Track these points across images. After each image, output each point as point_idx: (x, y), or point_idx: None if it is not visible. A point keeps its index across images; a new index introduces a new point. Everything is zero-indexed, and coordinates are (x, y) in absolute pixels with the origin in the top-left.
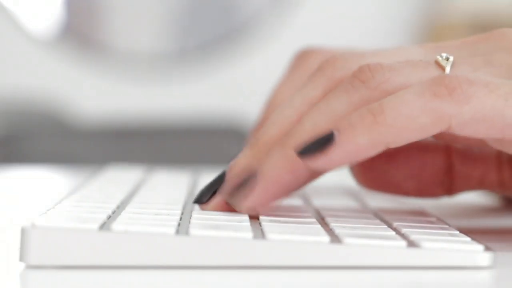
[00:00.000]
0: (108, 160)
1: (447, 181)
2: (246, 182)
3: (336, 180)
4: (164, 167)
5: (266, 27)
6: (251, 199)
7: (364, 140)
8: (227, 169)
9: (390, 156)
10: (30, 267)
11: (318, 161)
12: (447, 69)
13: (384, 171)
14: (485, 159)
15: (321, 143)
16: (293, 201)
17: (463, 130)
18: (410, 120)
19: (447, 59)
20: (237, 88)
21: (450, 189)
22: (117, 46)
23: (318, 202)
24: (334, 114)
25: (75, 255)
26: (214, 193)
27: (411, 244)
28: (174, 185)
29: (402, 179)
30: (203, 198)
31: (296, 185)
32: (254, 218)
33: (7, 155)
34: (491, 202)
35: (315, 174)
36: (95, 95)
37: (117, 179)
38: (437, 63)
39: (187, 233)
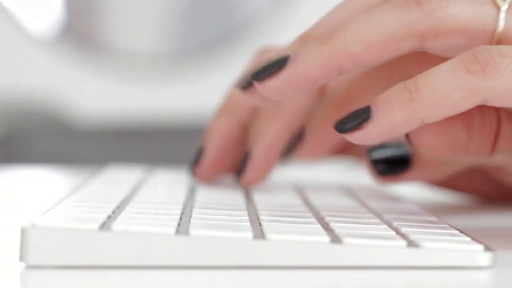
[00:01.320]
0: (108, 160)
1: (493, 139)
2: (275, 64)
3: (336, 179)
4: (164, 167)
5: (266, 27)
6: (275, 81)
7: (400, 117)
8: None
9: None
10: (30, 267)
11: (355, 136)
12: (503, 9)
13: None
14: None
15: (358, 118)
16: (293, 201)
17: (499, 102)
18: (444, 96)
19: None
20: None
21: (493, 148)
22: (117, 46)
23: (318, 201)
24: (381, 27)
25: (75, 255)
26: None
27: (411, 244)
28: (174, 185)
29: (466, 134)
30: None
31: (322, 83)
32: (254, 218)
33: (7, 155)
34: (466, 201)
35: (343, 74)
36: (95, 95)
37: (117, 179)
38: (494, 1)
39: (187, 233)
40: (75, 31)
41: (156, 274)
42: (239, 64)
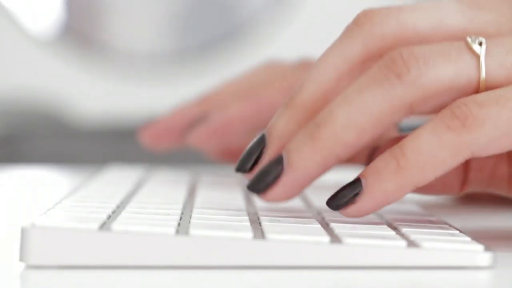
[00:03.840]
0: (108, 160)
1: (463, 171)
2: (271, 171)
3: (336, 180)
4: (164, 167)
5: (266, 27)
6: (278, 189)
7: (391, 186)
8: (265, 132)
9: None
10: (30, 267)
11: (349, 211)
12: (482, 55)
13: None
14: None
15: (350, 193)
16: (293, 201)
17: (486, 152)
18: (431, 158)
19: (480, 43)
20: None
21: (464, 181)
22: (117, 46)
23: (318, 202)
24: (368, 110)
25: (75, 255)
26: (257, 160)
27: (411, 244)
28: (174, 185)
29: None
30: (246, 166)
31: (323, 174)
32: (254, 218)
33: (7, 155)
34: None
35: (342, 162)
36: (95, 95)
37: (117, 179)
38: (470, 49)
39: (187, 233)
40: (75, 31)
41: (156, 274)
42: (239, 64)
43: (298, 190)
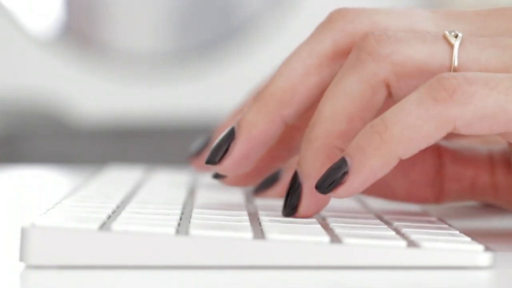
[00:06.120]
0: (108, 160)
1: (438, 182)
2: (293, 187)
3: None
4: (164, 167)
5: (265, 27)
6: (304, 202)
7: (376, 162)
8: (235, 125)
9: None
10: (30, 267)
11: (339, 192)
12: (456, 46)
13: None
14: (477, 160)
15: (337, 174)
16: None
17: (468, 130)
18: (415, 130)
19: (456, 36)
20: (237, 88)
21: (441, 192)
22: (117, 46)
23: None
24: (349, 95)
25: (75, 255)
26: (226, 151)
27: (411, 244)
28: (174, 185)
29: (391, 178)
30: (215, 158)
31: None
32: (254, 218)
33: (7, 155)
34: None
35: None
36: (95, 95)
37: (117, 179)
38: (446, 39)
39: (187, 233)
40: (75, 31)
41: (156, 274)
42: (239, 64)
43: (314, 195)
